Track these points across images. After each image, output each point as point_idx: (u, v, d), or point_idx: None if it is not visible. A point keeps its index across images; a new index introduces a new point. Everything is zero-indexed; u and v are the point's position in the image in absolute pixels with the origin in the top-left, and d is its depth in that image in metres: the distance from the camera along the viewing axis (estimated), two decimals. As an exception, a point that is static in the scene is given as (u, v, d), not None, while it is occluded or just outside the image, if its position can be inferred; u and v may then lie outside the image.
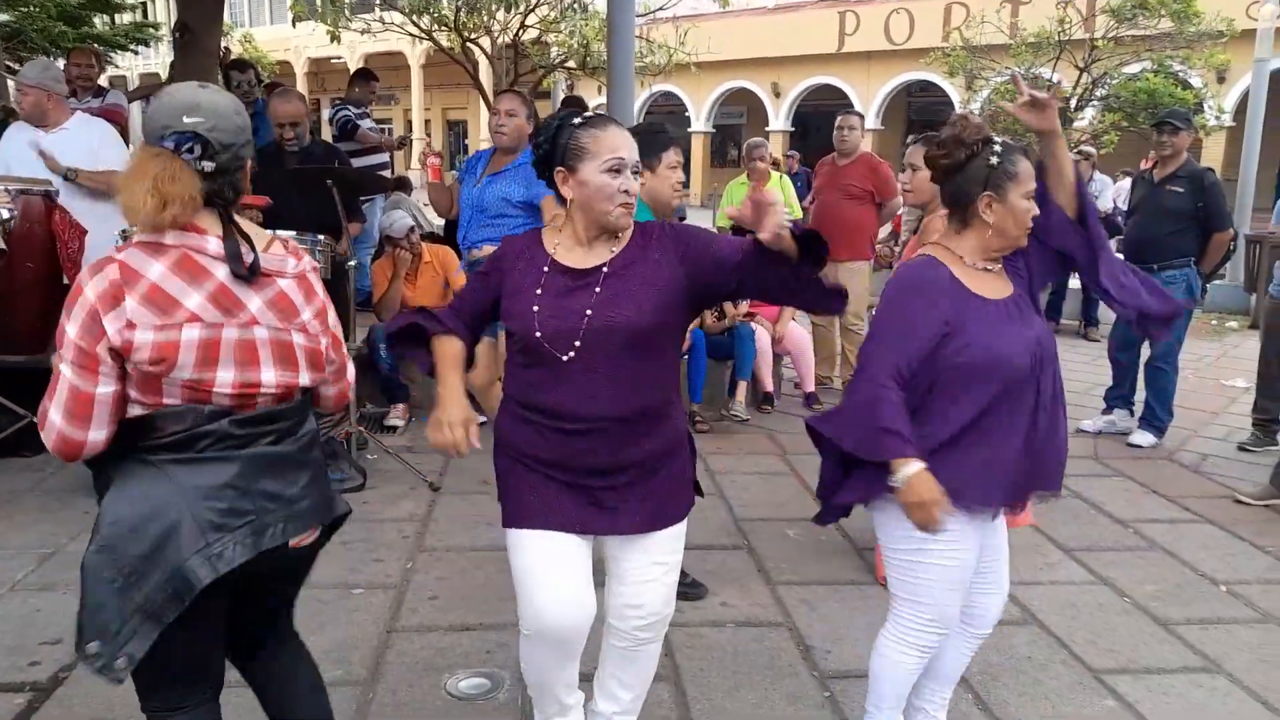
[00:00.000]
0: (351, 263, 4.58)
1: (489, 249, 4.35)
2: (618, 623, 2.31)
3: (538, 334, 2.09)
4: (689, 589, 3.45)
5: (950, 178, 2.25)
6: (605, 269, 2.12)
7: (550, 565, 2.17)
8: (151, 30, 11.74)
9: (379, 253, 6.44)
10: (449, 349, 2.24)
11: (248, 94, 6.52)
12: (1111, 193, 10.12)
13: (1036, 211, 2.23)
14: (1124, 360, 5.74)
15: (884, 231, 6.95)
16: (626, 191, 2.08)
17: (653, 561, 2.24)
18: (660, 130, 3.42)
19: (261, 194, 4.67)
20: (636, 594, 2.26)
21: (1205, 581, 3.80)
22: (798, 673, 3.02)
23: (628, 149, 2.09)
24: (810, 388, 6.19)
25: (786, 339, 6.09)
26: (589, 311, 2.08)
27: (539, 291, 2.12)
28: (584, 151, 2.08)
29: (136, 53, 14.44)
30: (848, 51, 24.82)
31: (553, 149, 2.13)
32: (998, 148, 2.20)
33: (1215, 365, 7.90)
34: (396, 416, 5.40)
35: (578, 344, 2.08)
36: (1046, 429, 2.25)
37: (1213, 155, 18.78)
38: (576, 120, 2.13)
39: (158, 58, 24.23)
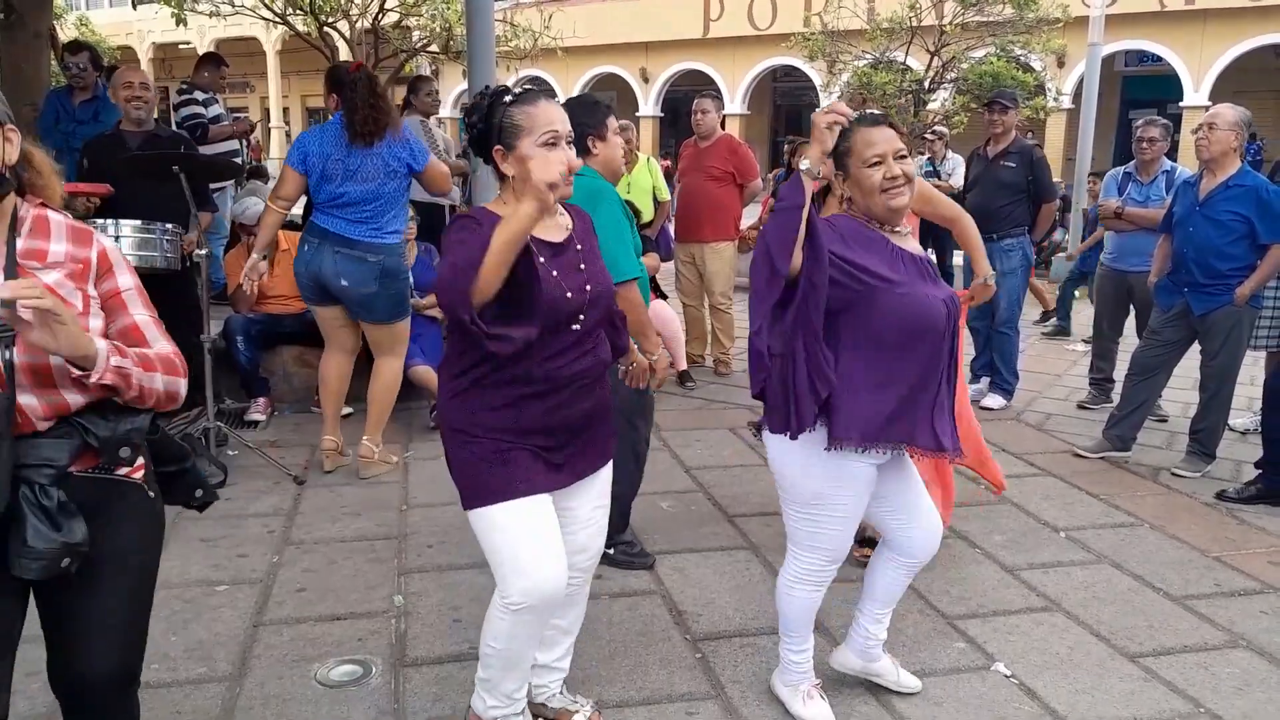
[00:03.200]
0: (203, 252, 4.40)
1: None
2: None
3: (569, 296, 2.15)
4: (636, 557, 3.57)
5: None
6: (577, 244, 2.24)
7: (541, 531, 2.21)
8: (-25, 12, 10.94)
9: (232, 242, 6.22)
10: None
11: (79, 77, 6.15)
12: (963, 170, 10.61)
13: (891, 173, 2.33)
14: (980, 329, 6.05)
15: (753, 217, 7.10)
16: (567, 163, 2.11)
17: (594, 505, 2.43)
18: (597, 101, 3.45)
19: (103, 181, 4.47)
20: (586, 537, 2.43)
21: (1047, 529, 4.07)
22: (670, 638, 3.10)
23: (561, 121, 2.14)
24: (682, 366, 6.30)
25: (655, 319, 6.16)
26: (589, 286, 2.21)
27: (542, 260, 2.13)
28: (519, 129, 2.12)
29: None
30: (713, 37, 25.15)
31: (488, 128, 2.15)
32: (841, 128, 2.28)
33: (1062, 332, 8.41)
34: (257, 411, 5.23)
35: (584, 313, 2.21)
36: (940, 380, 2.42)
37: (1053, 136, 19.92)
38: (508, 98, 2.15)
39: (-15, 43, 22.60)
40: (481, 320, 1.99)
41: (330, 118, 4.32)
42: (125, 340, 1.81)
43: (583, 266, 2.23)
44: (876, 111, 2.45)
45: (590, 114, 3.28)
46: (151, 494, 1.89)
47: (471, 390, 2.19)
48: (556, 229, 2.25)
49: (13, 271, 1.68)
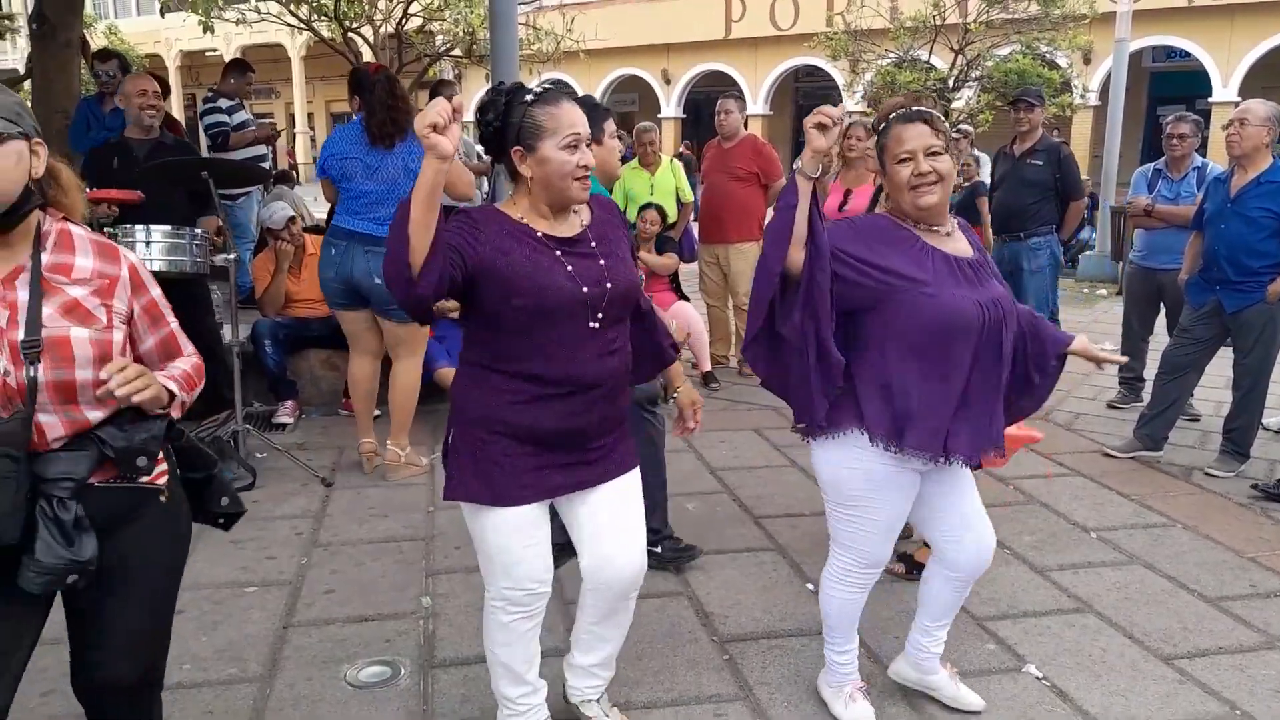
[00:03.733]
0: (230, 257, 4.44)
1: None
2: (604, 583, 2.35)
3: (585, 290, 2.12)
4: (682, 552, 3.56)
5: None
6: (592, 239, 2.19)
7: (527, 540, 2.23)
8: (7, 23, 11.10)
9: (260, 247, 6.27)
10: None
11: (110, 84, 6.23)
12: (989, 169, 10.55)
13: (919, 170, 2.29)
14: None
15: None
16: (585, 166, 2.10)
17: (617, 515, 2.31)
18: (595, 105, 3.44)
19: (124, 188, 4.49)
20: (612, 548, 2.31)
21: (1077, 530, 4.02)
22: (698, 639, 3.09)
23: (583, 123, 2.11)
24: (706, 367, 6.29)
25: (679, 319, 6.17)
26: (609, 284, 2.16)
27: (559, 254, 2.13)
28: (542, 129, 2.07)
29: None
30: (735, 38, 25.10)
31: (504, 127, 2.09)
32: (883, 126, 2.38)
33: (1087, 330, 8.25)
34: (285, 414, 5.28)
35: (602, 310, 2.15)
36: (984, 390, 2.34)
37: (1080, 133, 19.72)
38: (529, 97, 2.09)
39: (15, 52, 22.95)
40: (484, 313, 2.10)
41: (353, 119, 4.35)
42: (164, 350, 1.89)
43: (602, 261, 2.19)
44: (921, 107, 2.39)
45: (590, 117, 3.28)
46: (171, 500, 1.89)
47: (489, 382, 2.17)
48: (569, 225, 2.20)
49: (38, 285, 1.70)
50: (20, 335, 1.66)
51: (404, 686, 2.80)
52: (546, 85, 2.15)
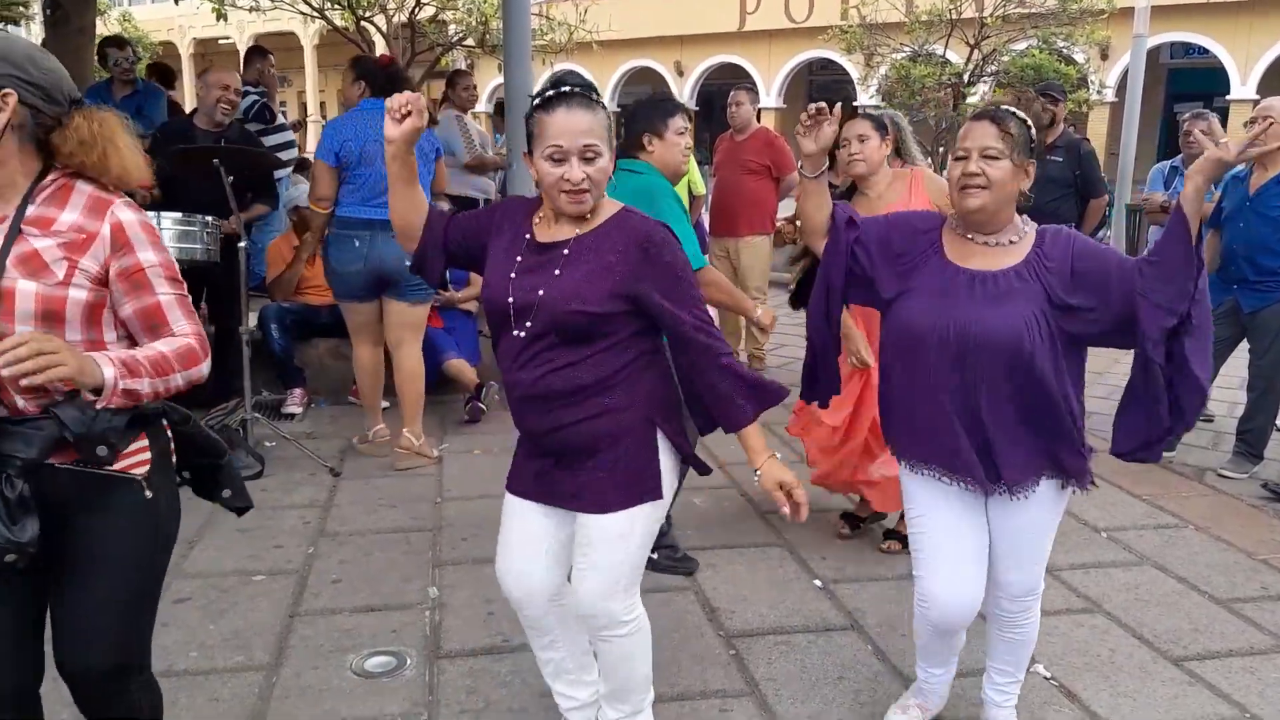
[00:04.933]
0: (242, 244, 4.45)
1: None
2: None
3: (510, 300, 2.08)
4: (679, 563, 3.52)
5: None
6: (566, 250, 2.07)
7: (509, 529, 2.27)
8: (21, 9, 11.10)
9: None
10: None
11: (126, 72, 6.24)
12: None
13: (967, 170, 2.15)
14: None
15: (789, 210, 7.04)
16: (567, 180, 1.99)
17: (580, 549, 2.18)
18: (664, 100, 3.46)
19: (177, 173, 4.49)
20: (574, 577, 2.21)
21: (1088, 529, 3.99)
22: (703, 634, 3.08)
23: (569, 136, 1.97)
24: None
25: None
26: (541, 290, 2.04)
27: (519, 259, 2.11)
28: (533, 136, 2.05)
29: (6, 31, 13.71)
30: (749, 30, 25.00)
31: (527, 127, 2.08)
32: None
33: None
34: (294, 403, 5.28)
35: (529, 321, 2.06)
36: (991, 414, 2.18)
37: (1096, 129, 19.58)
38: (536, 100, 2.05)
39: (29, 37, 23.03)
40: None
41: (358, 104, 4.37)
42: (147, 321, 1.77)
43: (557, 271, 2.05)
44: (1006, 107, 2.23)
45: (652, 112, 3.33)
46: (149, 492, 1.81)
47: None
48: (555, 231, 2.11)
49: (12, 238, 1.66)
50: None
51: (409, 677, 2.80)
52: (553, 89, 2.04)
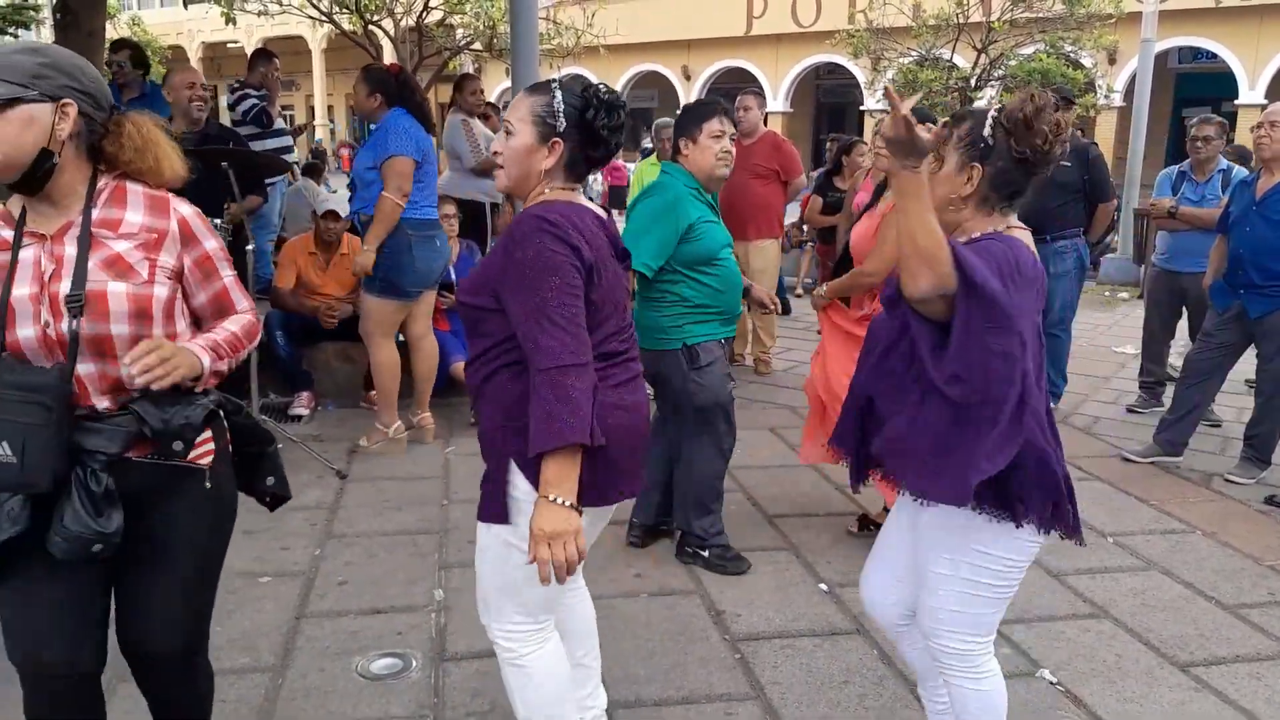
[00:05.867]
0: (249, 248, 4.47)
1: (365, 217, 4.45)
2: None
3: None
4: (729, 562, 3.53)
5: None
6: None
7: None
8: (32, 13, 11.14)
9: (279, 242, 6.31)
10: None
11: (120, 74, 6.26)
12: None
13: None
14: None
15: (795, 215, 7.05)
16: (497, 152, 2.06)
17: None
18: (707, 103, 3.48)
19: None
20: None
21: (1094, 534, 3.98)
22: (709, 637, 3.08)
23: (513, 109, 2.04)
24: (723, 364, 6.27)
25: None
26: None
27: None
28: None
29: (16, 35, 13.77)
30: (756, 34, 25.04)
31: None
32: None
33: (1107, 333, 8.25)
34: (301, 405, 5.30)
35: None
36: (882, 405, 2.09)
37: (1104, 134, 19.56)
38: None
39: (39, 41, 23.15)
40: None
41: (385, 114, 4.42)
42: (216, 305, 1.91)
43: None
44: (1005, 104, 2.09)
45: (687, 117, 3.39)
46: (211, 483, 1.90)
47: None
48: None
49: (86, 242, 1.74)
50: (65, 289, 1.70)
51: (415, 679, 2.80)
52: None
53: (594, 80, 2.14)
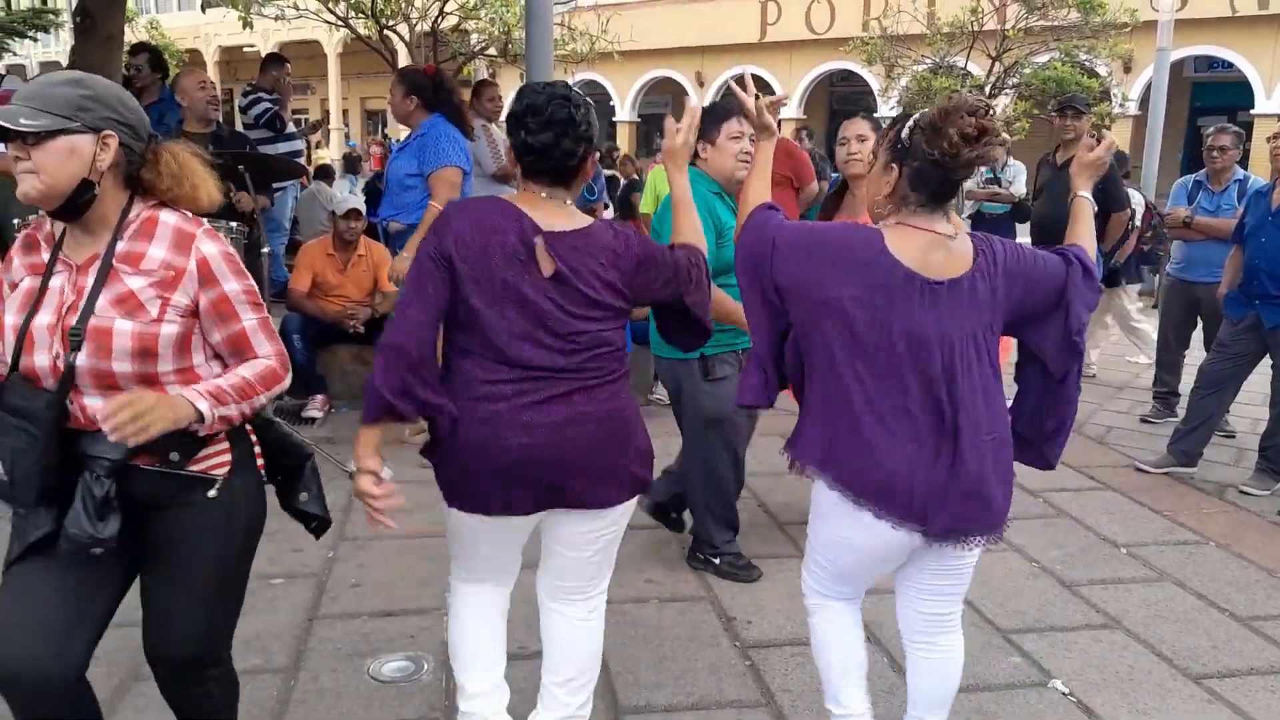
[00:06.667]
0: (265, 250, 4.50)
1: (395, 225, 4.40)
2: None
3: None
4: (741, 570, 3.52)
5: None
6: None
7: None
8: (51, 16, 11.26)
9: (291, 244, 6.34)
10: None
11: (138, 78, 6.31)
12: (1025, 178, 10.44)
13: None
14: None
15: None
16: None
17: None
18: (720, 103, 3.45)
19: None
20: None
21: (1107, 545, 3.97)
22: (719, 644, 3.08)
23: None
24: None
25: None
26: None
27: None
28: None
29: (36, 39, 13.89)
30: (770, 41, 25.02)
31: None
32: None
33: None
34: (315, 408, 5.32)
35: None
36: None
37: (1119, 143, 19.43)
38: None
39: (58, 45, 23.36)
40: None
41: (429, 117, 4.41)
42: (233, 347, 1.87)
43: None
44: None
45: (707, 118, 3.31)
46: (218, 493, 1.89)
47: None
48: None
49: (104, 275, 1.76)
50: (74, 321, 1.74)
51: (426, 682, 2.81)
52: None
53: (608, 86, 2.18)
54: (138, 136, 1.81)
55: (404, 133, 4.84)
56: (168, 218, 1.84)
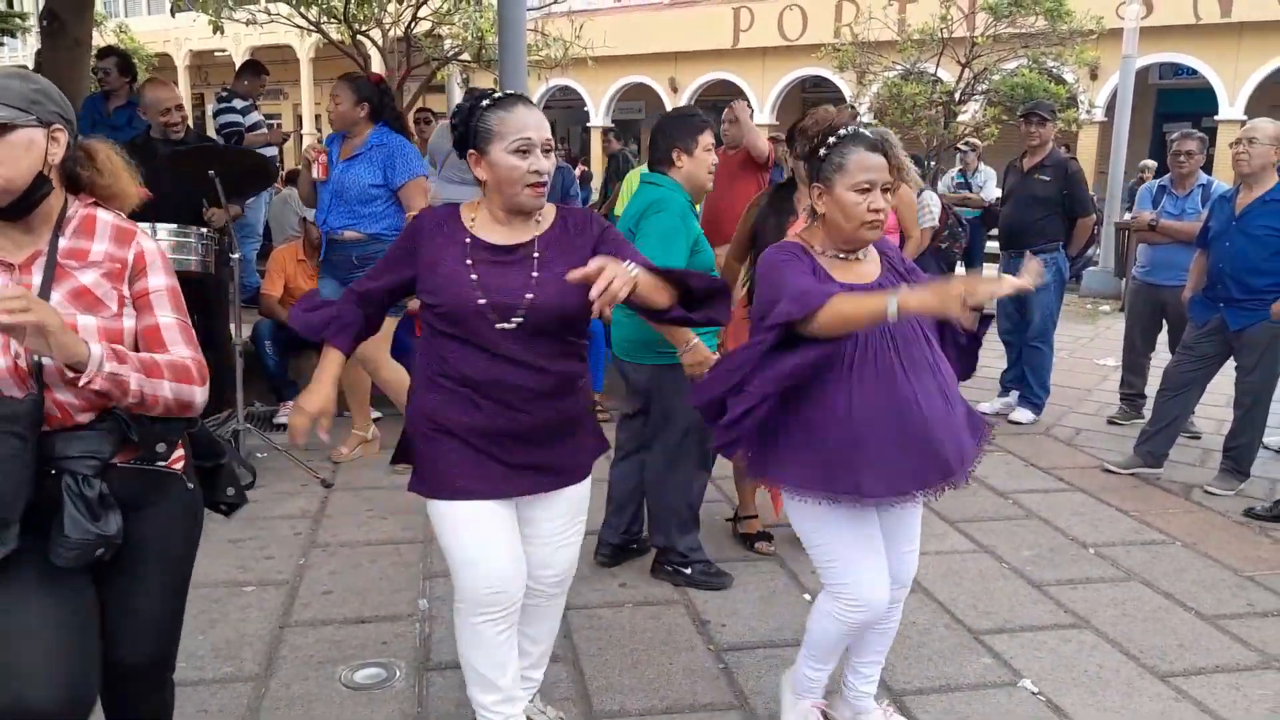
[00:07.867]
0: (235, 256, 4.46)
1: (350, 234, 4.35)
2: (531, 582, 2.35)
3: (481, 302, 2.11)
4: (713, 577, 3.50)
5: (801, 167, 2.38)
6: (535, 250, 2.17)
7: (488, 534, 2.22)
8: (18, 20, 11.09)
9: (263, 249, 6.29)
10: (334, 353, 2.29)
11: (105, 81, 6.24)
12: (995, 183, 10.56)
13: (876, 206, 2.20)
14: (1013, 341, 6.00)
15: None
16: (536, 171, 2.11)
17: (561, 524, 2.36)
18: (693, 114, 3.47)
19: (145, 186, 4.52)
20: (548, 554, 2.36)
21: (1076, 545, 4.02)
22: (694, 647, 3.09)
23: (535, 129, 2.11)
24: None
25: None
26: (530, 294, 2.13)
27: (469, 262, 2.15)
28: (491, 133, 2.11)
29: (2, 44, 13.71)
30: (743, 47, 25.14)
31: (466, 131, 2.16)
32: (833, 139, 2.23)
33: (1089, 346, 8.33)
34: (286, 414, 5.28)
35: (516, 319, 2.13)
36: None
37: (1086, 149, 19.72)
38: (485, 101, 2.14)
39: (25, 49, 23.04)
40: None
41: (374, 127, 4.41)
42: (142, 341, 1.81)
43: (535, 273, 2.15)
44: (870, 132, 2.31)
45: (683, 126, 3.34)
46: (190, 485, 1.93)
47: (430, 381, 2.22)
48: (520, 231, 2.20)
49: (51, 271, 1.73)
50: None
51: (399, 688, 2.80)
52: (507, 92, 2.20)
53: (582, 92, 2.20)
54: (74, 134, 1.79)
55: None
56: (106, 216, 1.82)
